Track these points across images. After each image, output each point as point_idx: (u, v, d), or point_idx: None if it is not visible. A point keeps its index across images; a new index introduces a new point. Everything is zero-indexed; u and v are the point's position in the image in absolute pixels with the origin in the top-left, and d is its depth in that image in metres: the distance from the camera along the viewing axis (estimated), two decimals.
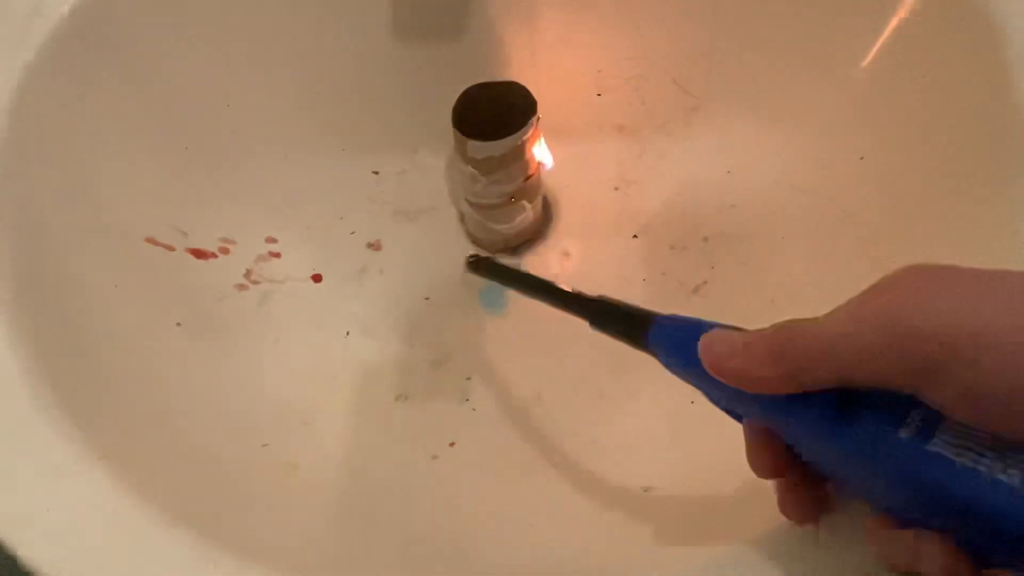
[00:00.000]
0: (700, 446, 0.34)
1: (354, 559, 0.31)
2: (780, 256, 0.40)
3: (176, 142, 0.42)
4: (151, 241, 0.39)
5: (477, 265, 0.40)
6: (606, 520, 0.33)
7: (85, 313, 0.34)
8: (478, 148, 0.39)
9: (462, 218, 0.45)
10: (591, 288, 0.31)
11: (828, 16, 0.40)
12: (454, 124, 0.39)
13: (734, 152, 0.44)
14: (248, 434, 0.36)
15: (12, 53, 0.36)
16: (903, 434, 0.20)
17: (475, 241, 0.45)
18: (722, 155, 0.44)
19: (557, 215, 0.46)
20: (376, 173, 0.46)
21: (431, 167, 0.46)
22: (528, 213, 0.43)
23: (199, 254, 0.41)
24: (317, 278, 0.43)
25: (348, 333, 0.42)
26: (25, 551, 0.26)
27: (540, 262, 0.44)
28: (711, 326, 0.24)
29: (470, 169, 0.40)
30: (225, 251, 0.42)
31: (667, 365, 0.26)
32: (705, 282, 0.42)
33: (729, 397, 0.24)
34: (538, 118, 0.39)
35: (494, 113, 0.39)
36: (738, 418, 0.25)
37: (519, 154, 0.40)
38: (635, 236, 0.44)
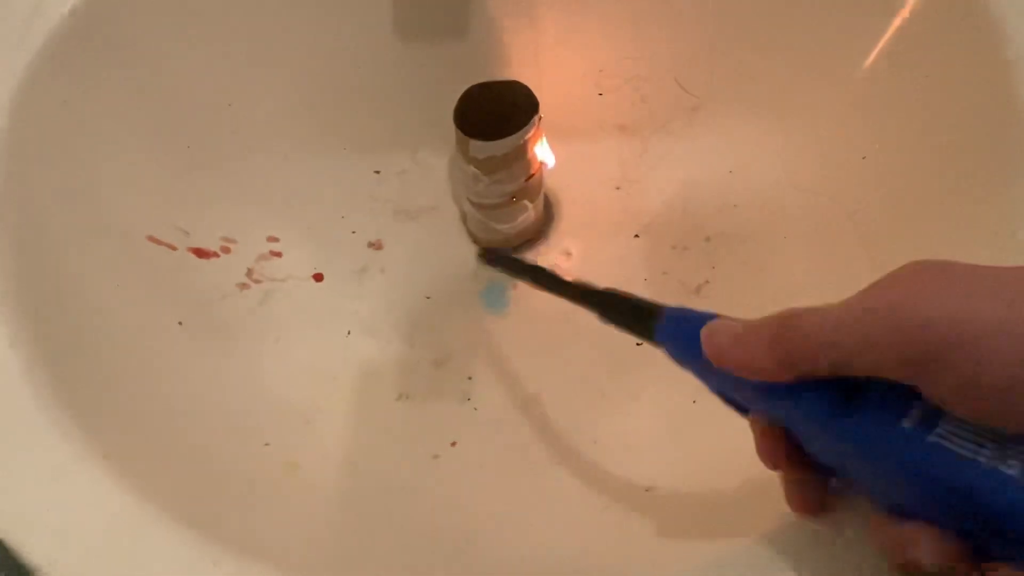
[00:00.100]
0: (701, 445, 0.34)
1: (355, 558, 0.31)
2: (781, 256, 0.40)
3: (177, 141, 0.42)
4: (153, 240, 0.39)
5: (490, 257, 0.40)
6: (607, 520, 0.33)
7: (86, 313, 0.34)
8: (480, 148, 0.39)
9: (464, 217, 0.45)
10: None
11: (830, 16, 0.40)
12: (456, 124, 0.39)
13: (736, 152, 0.44)
14: (249, 433, 0.36)
15: (12, 53, 0.36)
16: (904, 424, 0.20)
17: (476, 241, 0.45)
18: (724, 155, 0.44)
19: (559, 215, 0.46)
20: (377, 172, 0.46)
21: (432, 166, 0.46)
22: (530, 213, 0.43)
23: (200, 253, 0.41)
24: (318, 277, 0.43)
25: (349, 332, 0.42)
26: (26, 550, 0.26)
27: (542, 262, 0.44)
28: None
29: (472, 169, 0.40)
30: (226, 250, 0.42)
31: (675, 358, 0.26)
32: (707, 282, 0.42)
33: (734, 388, 0.24)
34: (540, 117, 0.39)
35: (496, 113, 0.39)
36: (744, 412, 0.25)
37: (521, 154, 0.40)
38: (636, 236, 0.44)
